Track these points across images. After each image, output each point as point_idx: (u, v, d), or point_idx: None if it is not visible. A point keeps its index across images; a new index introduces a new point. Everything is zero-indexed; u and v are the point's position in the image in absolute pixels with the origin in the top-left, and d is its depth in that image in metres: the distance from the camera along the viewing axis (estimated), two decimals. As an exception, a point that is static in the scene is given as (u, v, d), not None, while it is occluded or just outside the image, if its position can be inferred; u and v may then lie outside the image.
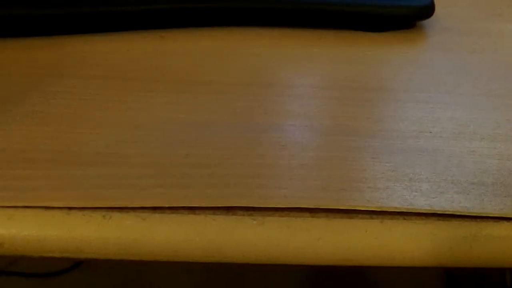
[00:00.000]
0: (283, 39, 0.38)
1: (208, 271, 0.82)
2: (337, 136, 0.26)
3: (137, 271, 0.85)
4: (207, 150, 0.24)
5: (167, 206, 0.21)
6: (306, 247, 0.20)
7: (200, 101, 0.28)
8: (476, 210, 0.21)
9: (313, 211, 0.21)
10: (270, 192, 0.22)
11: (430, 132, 0.27)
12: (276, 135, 0.26)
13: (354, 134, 0.26)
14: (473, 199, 0.22)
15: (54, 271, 0.86)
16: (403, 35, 0.40)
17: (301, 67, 0.34)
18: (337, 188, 0.22)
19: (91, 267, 0.85)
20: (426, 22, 0.42)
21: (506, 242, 0.21)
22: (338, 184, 0.22)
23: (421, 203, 0.21)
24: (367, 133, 0.26)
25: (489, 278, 0.67)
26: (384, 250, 0.21)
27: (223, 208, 0.21)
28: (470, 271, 0.69)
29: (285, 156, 0.24)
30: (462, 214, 0.21)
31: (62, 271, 0.85)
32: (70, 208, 0.21)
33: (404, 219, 0.21)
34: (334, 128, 0.27)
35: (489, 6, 0.46)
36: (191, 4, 0.37)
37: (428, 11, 0.39)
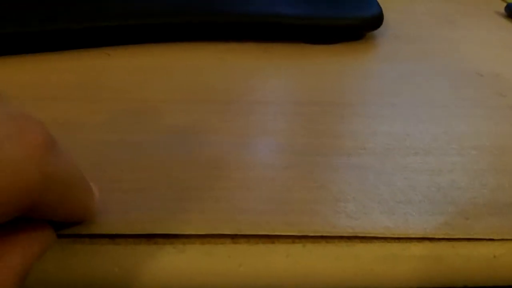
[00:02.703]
0: (230, 54, 0.37)
1: None
2: (269, 154, 0.26)
3: None
4: (137, 173, 0.24)
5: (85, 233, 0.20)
6: (227, 274, 0.20)
7: (139, 120, 0.28)
8: (398, 231, 0.21)
9: (235, 237, 0.21)
10: (192, 216, 0.21)
11: (364, 149, 0.27)
12: (210, 153, 0.26)
13: (286, 151, 0.26)
14: (397, 219, 0.22)
15: None
16: (352, 46, 0.40)
17: (245, 82, 0.34)
18: (260, 210, 0.22)
19: None
20: (377, 30, 0.42)
21: (428, 261, 0.21)
22: (261, 206, 0.22)
23: (344, 225, 0.21)
24: (300, 150, 0.26)
25: None
26: (305, 275, 0.20)
27: (143, 236, 0.21)
28: None
29: (213, 176, 0.24)
30: (384, 236, 0.21)
31: None
32: None
33: (327, 242, 0.21)
34: (266, 145, 0.27)
35: (442, 14, 0.46)
36: (137, 21, 0.37)
37: (376, 21, 0.39)
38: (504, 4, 0.48)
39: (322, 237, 0.21)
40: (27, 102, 0.29)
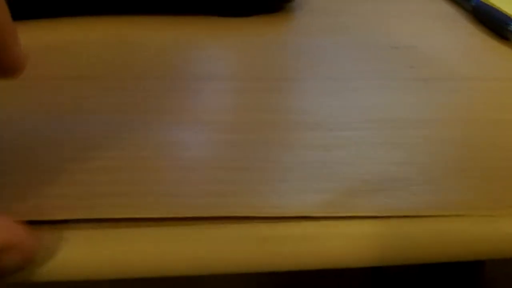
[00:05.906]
0: (140, 28, 0.35)
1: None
2: (135, 128, 0.24)
3: None
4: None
5: None
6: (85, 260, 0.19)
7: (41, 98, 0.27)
8: (277, 211, 0.20)
9: (90, 222, 0.19)
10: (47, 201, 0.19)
11: (260, 124, 0.25)
12: (91, 133, 0.24)
13: (147, 129, 0.25)
14: (277, 198, 0.20)
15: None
16: (268, 19, 0.38)
17: (145, 56, 0.32)
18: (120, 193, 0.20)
19: None
20: (297, 4, 0.41)
21: (304, 242, 0.19)
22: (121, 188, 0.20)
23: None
24: (170, 126, 0.25)
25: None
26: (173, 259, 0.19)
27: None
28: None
29: (84, 158, 0.22)
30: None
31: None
32: None
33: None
34: (141, 122, 0.25)
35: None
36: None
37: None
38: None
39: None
40: None
